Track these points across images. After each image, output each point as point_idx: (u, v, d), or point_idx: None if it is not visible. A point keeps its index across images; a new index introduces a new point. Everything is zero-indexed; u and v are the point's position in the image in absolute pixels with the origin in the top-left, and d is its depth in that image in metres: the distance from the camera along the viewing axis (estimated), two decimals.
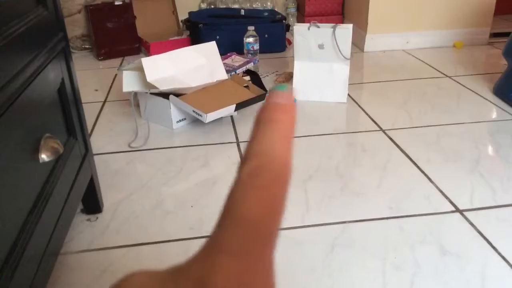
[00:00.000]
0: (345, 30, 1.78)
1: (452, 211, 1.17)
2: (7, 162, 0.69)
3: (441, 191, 1.25)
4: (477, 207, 1.18)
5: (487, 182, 1.29)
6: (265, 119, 0.23)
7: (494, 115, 1.74)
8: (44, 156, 0.79)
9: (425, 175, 1.33)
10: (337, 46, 1.80)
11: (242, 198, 0.20)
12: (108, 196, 1.25)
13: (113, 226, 1.15)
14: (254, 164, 0.21)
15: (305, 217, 1.16)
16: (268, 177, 0.21)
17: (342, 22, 2.92)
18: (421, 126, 1.64)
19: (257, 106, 1.79)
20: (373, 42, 2.60)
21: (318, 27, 1.82)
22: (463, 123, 1.66)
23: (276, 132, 0.23)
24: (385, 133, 1.60)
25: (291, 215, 1.17)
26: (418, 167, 1.37)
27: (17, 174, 0.73)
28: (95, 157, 1.21)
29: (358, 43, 2.66)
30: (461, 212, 1.16)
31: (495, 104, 1.82)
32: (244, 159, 0.22)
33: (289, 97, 0.25)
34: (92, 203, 1.19)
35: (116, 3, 2.58)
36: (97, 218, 1.18)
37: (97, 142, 1.57)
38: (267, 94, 0.25)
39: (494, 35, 2.70)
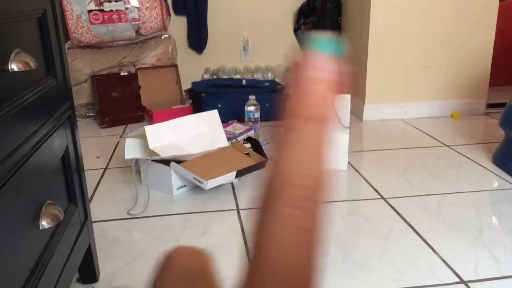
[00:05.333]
0: (343, 100, 1.83)
1: (457, 282, 1.14)
2: (8, 228, 0.69)
3: (444, 262, 1.22)
4: (482, 278, 1.15)
5: (490, 252, 1.27)
6: (296, 115, 0.17)
7: (494, 184, 1.74)
8: (44, 223, 0.79)
9: (428, 245, 1.31)
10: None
11: (277, 242, 0.17)
12: (105, 265, 1.23)
13: None
14: (291, 193, 0.17)
15: None
16: (308, 215, 0.17)
17: None
18: (422, 195, 1.64)
19: (257, 173, 1.80)
20: (371, 111, 2.66)
21: None
22: (463, 192, 1.66)
23: (310, 141, 0.17)
24: (386, 201, 1.59)
25: None
26: (420, 236, 1.35)
27: (16, 241, 0.72)
28: (93, 224, 1.20)
29: (356, 112, 2.71)
30: (465, 283, 1.13)
31: (494, 173, 1.83)
32: (274, 177, 0.17)
33: (332, 65, 0.16)
34: (88, 272, 1.17)
35: (122, 73, 2.67)
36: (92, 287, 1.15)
37: (96, 209, 1.56)
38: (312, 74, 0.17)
39: (490, 105, 2.77)
